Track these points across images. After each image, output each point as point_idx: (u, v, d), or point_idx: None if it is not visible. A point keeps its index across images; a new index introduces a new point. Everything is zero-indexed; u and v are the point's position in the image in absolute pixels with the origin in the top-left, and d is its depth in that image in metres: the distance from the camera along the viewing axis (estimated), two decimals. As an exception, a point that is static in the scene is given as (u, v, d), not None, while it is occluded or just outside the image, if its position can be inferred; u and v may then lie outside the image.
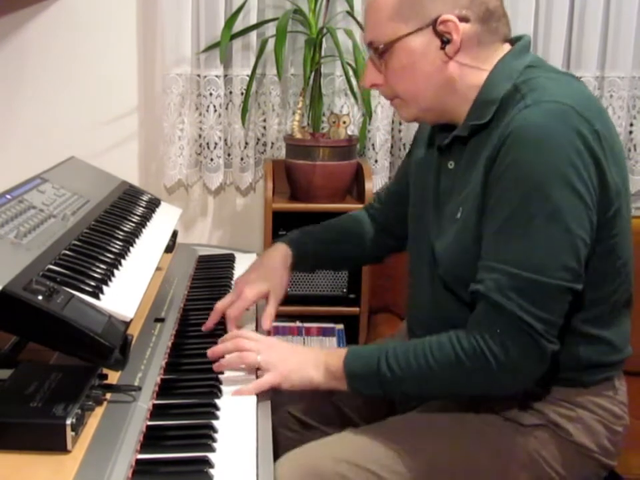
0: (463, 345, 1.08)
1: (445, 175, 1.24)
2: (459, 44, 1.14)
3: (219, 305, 1.37)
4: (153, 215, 1.62)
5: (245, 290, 1.37)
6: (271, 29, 2.21)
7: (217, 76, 2.24)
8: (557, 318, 1.07)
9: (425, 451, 1.17)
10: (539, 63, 1.19)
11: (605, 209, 1.09)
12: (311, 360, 1.19)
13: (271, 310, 1.39)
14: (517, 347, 1.06)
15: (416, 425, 1.22)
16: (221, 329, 1.35)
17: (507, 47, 1.19)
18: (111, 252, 1.26)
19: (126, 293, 1.13)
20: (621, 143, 1.16)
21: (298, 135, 2.15)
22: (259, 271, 1.43)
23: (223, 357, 1.20)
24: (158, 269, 1.45)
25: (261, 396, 1.15)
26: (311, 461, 1.15)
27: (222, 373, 1.19)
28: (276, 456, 1.03)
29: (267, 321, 1.36)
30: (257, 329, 1.41)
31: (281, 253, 1.46)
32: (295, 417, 1.41)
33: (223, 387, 1.14)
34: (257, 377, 1.18)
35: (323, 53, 2.16)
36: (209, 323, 1.35)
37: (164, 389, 1.12)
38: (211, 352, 1.21)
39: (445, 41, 1.13)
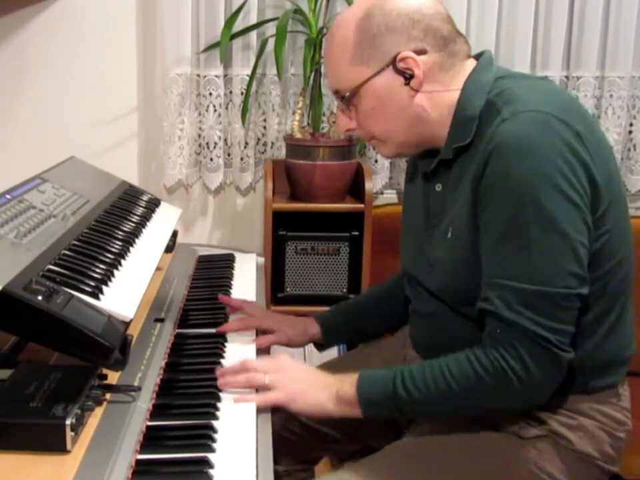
0: (483, 363, 1.08)
1: (434, 198, 1.24)
2: (422, 77, 1.15)
3: (244, 301, 1.45)
4: (153, 215, 1.62)
5: (263, 317, 1.44)
6: (270, 29, 2.21)
7: (216, 76, 2.23)
8: (568, 326, 1.06)
9: (423, 466, 1.17)
10: (506, 73, 1.19)
11: (595, 209, 1.08)
12: (322, 386, 1.17)
13: (270, 339, 1.41)
14: (534, 361, 1.05)
15: (414, 451, 1.21)
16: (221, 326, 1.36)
17: (471, 63, 1.20)
18: (110, 252, 1.26)
19: (126, 293, 1.13)
20: (605, 138, 1.16)
21: (298, 135, 2.15)
22: (283, 315, 1.50)
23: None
24: (158, 268, 1.45)
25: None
26: None
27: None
28: (276, 457, 1.03)
29: (262, 341, 1.38)
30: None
31: (306, 319, 1.50)
32: (296, 417, 1.41)
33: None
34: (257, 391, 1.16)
35: (322, 53, 2.16)
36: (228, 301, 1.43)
37: (164, 389, 1.12)
38: (220, 372, 1.18)
39: (407, 77, 1.14)
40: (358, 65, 1.16)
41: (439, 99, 1.16)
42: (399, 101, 1.16)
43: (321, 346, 1.51)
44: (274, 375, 1.17)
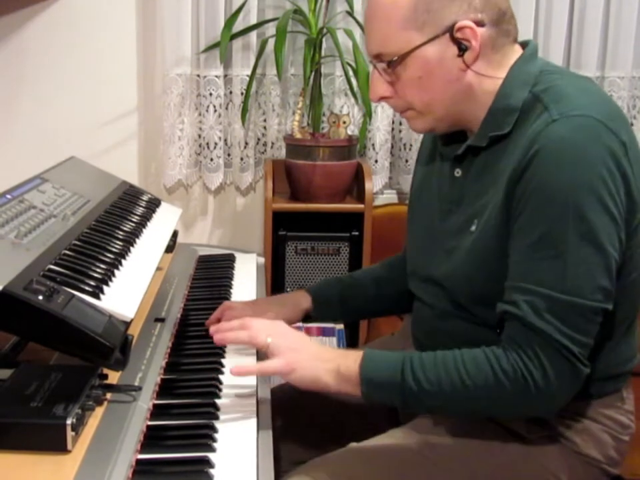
0: (502, 365, 1.03)
1: (450, 183, 1.20)
2: (478, 50, 1.09)
3: (223, 304, 1.37)
4: (153, 215, 1.62)
5: (249, 306, 1.38)
6: (270, 29, 2.21)
7: (216, 76, 2.24)
8: (590, 340, 1.04)
9: (429, 467, 1.15)
10: (552, 68, 1.16)
11: (629, 223, 1.07)
12: (323, 358, 1.10)
13: None
14: (555, 371, 1.02)
15: (419, 441, 1.19)
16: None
17: (517, 49, 1.16)
18: (111, 252, 1.26)
19: (126, 293, 1.13)
20: (638, 146, 1.12)
21: (298, 135, 2.15)
22: (271, 297, 1.45)
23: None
24: (158, 268, 1.45)
25: (262, 396, 1.14)
26: None
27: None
28: (276, 458, 1.03)
29: None
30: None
31: (298, 293, 1.44)
32: (297, 420, 1.40)
33: (223, 387, 1.14)
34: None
35: (323, 53, 2.16)
36: (211, 319, 1.34)
37: (164, 388, 1.12)
38: (215, 328, 1.14)
39: (462, 48, 1.09)
40: (410, 30, 1.08)
41: (484, 80, 1.12)
42: (448, 73, 1.10)
43: (309, 318, 1.45)
44: (276, 338, 1.11)
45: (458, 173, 1.19)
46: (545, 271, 1.03)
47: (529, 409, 1.08)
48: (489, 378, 1.04)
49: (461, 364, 1.05)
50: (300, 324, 2.18)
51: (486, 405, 1.07)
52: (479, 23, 1.09)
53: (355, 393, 1.09)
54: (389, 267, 1.47)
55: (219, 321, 1.32)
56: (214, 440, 0.99)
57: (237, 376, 1.09)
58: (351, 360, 1.09)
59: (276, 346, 1.10)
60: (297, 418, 1.41)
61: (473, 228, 1.13)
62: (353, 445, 1.18)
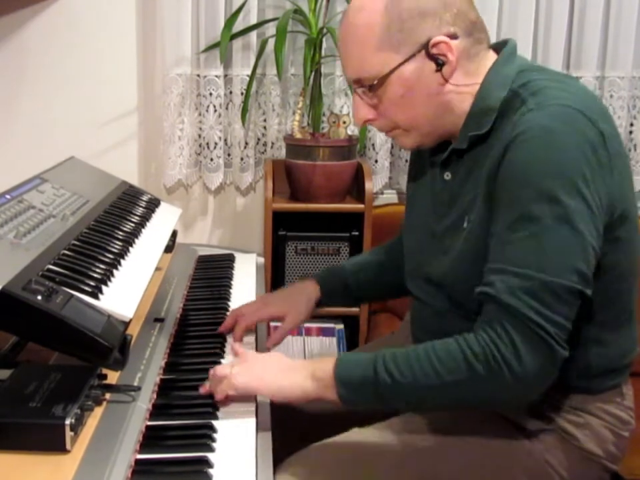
0: (473, 348, 1.02)
1: (441, 186, 1.22)
2: (455, 64, 1.11)
3: (232, 310, 1.39)
4: (153, 215, 1.62)
5: (257, 309, 1.39)
6: (271, 29, 2.21)
7: (216, 76, 2.24)
8: (567, 322, 1.03)
9: (428, 455, 1.16)
10: (530, 66, 1.17)
11: (610, 214, 1.07)
12: (297, 368, 1.11)
13: (282, 330, 1.40)
14: (529, 350, 1.00)
15: (418, 428, 1.19)
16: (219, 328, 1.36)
17: (492, 54, 1.17)
18: (110, 252, 1.26)
19: (125, 293, 1.13)
20: (622, 141, 1.14)
21: (298, 135, 2.15)
22: (281, 293, 1.44)
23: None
24: (158, 269, 1.45)
25: (261, 397, 1.14)
26: (313, 466, 1.14)
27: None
28: (276, 457, 1.03)
29: (270, 342, 1.37)
30: (257, 345, 1.38)
31: (306, 284, 1.46)
32: (298, 421, 1.40)
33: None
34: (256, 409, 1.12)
35: (323, 53, 2.16)
36: (225, 326, 1.36)
37: (163, 388, 1.12)
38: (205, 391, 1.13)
39: (440, 63, 1.10)
40: (386, 51, 1.10)
41: (463, 90, 1.13)
42: (428, 88, 1.12)
43: (319, 304, 1.47)
44: (239, 365, 1.12)
45: (448, 176, 1.21)
46: (521, 251, 1.03)
47: (505, 392, 1.04)
48: (460, 363, 1.02)
49: (432, 353, 1.04)
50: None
51: (462, 392, 1.05)
52: (453, 36, 1.10)
53: (332, 397, 1.08)
54: (391, 249, 1.48)
55: (232, 328, 1.36)
56: (213, 440, 0.99)
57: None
58: (325, 362, 1.09)
59: (240, 370, 1.11)
60: (297, 418, 1.41)
61: (465, 224, 1.15)
62: (355, 430, 1.19)
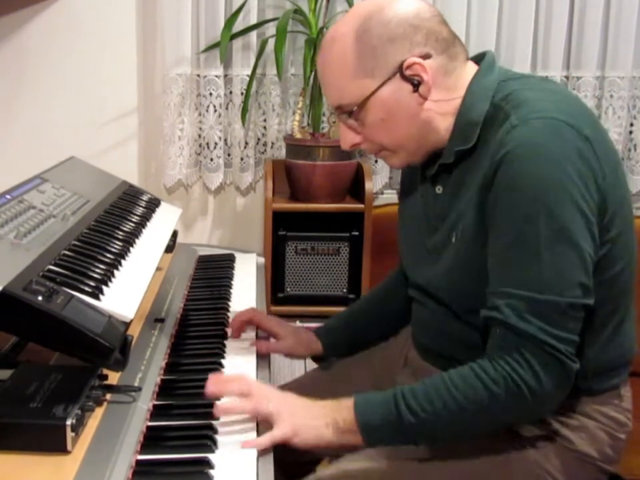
0: (490, 375, 1.04)
1: (433, 201, 1.23)
2: (430, 82, 1.12)
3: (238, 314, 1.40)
4: (153, 215, 1.62)
5: (276, 323, 1.42)
6: (271, 29, 2.21)
7: (217, 76, 2.24)
8: (574, 336, 1.05)
9: (422, 466, 1.16)
10: (509, 75, 1.18)
11: (602, 216, 1.08)
12: (321, 416, 1.10)
13: (274, 347, 1.39)
14: (545, 370, 1.03)
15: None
16: (221, 329, 1.36)
17: (471, 66, 1.18)
18: (110, 252, 1.25)
19: (126, 294, 1.13)
20: (609, 138, 1.15)
21: (298, 135, 2.15)
22: (292, 330, 1.44)
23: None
24: (158, 269, 1.45)
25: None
26: None
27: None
28: (276, 457, 1.03)
29: (263, 348, 1.35)
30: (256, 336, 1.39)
31: (310, 336, 1.45)
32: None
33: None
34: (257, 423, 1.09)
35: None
36: (235, 333, 1.36)
37: (164, 389, 1.12)
38: (213, 389, 1.09)
39: (415, 84, 1.12)
40: (362, 78, 1.13)
41: (444, 106, 1.15)
42: (408, 109, 1.14)
43: (320, 359, 1.49)
44: (276, 404, 1.09)
45: (439, 190, 1.22)
46: (522, 272, 1.05)
47: (527, 412, 1.09)
48: (480, 392, 1.04)
49: (450, 385, 1.06)
50: (299, 324, 2.21)
51: (486, 419, 1.07)
52: (426, 56, 1.12)
53: (357, 442, 1.09)
54: (389, 285, 1.48)
55: (245, 323, 1.37)
56: (214, 441, 0.99)
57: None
58: (345, 410, 1.09)
59: (278, 411, 1.08)
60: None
61: (453, 240, 1.16)
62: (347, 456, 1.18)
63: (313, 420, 1.09)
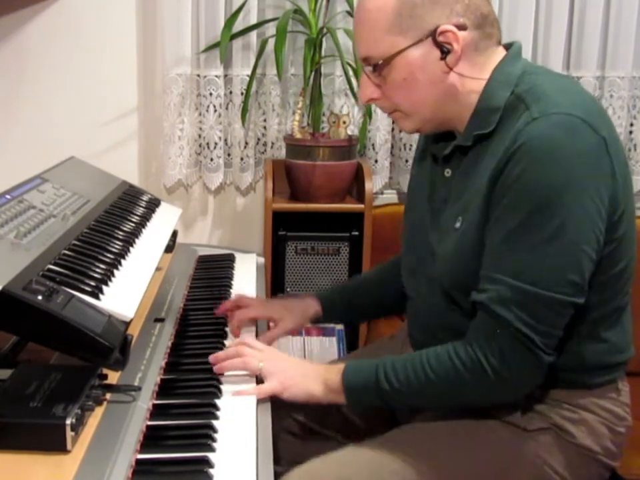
0: (461, 356, 1.10)
1: (441, 183, 1.23)
2: (459, 53, 1.13)
3: (238, 295, 1.46)
4: (153, 215, 1.62)
5: (259, 305, 1.44)
6: (271, 29, 2.21)
7: (216, 76, 2.24)
8: (556, 331, 1.08)
9: (428, 465, 1.16)
10: (534, 68, 1.19)
11: (611, 216, 1.09)
12: (311, 374, 1.20)
13: (274, 333, 1.42)
14: (514, 359, 1.07)
15: (418, 437, 1.21)
16: (221, 329, 1.36)
17: (501, 51, 1.18)
18: (110, 252, 1.26)
19: (126, 293, 1.13)
20: (619, 138, 1.18)
21: (298, 135, 2.15)
22: (280, 299, 1.50)
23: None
24: (158, 269, 1.45)
25: (261, 397, 1.15)
26: None
27: (222, 374, 1.19)
28: (276, 458, 1.03)
29: (266, 339, 1.38)
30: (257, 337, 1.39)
31: (306, 298, 1.49)
32: (297, 420, 1.41)
33: (222, 387, 1.14)
34: (257, 383, 1.18)
35: (323, 53, 2.16)
36: (224, 308, 1.42)
37: (164, 388, 1.12)
38: (214, 357, 1.21)
39: (445, 51, 1.12)
40: (395, 35, 1.13)
41: (467, 82, 1.15)
42: (431, 75, 1.14)
43: (316, 321, 1.52)
44: (267, 363, 1.19)
45: (448, 172, 1.22)
46: (515, 261, 1.07)
47: (493, 395, 1.13)
48: (448, 370, 1.11)
49: (425, 361, 1.13)
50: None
51: (453, 396, 1.14)
52: (461, 27, 1.12)
53: (341, 401, 1.19)
54: (391, 266, 1.49)
55: (232, 309, 1.41)
56: (213, 440, 0.99)
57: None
58: (335, 372, 1.19)
59: (268, 370, 1.18)
60: (296, 418, 1.41)
61: (457, 225, 1.17)
62: (352, 445, 1.20)
63: (304, 377, 1.19)
